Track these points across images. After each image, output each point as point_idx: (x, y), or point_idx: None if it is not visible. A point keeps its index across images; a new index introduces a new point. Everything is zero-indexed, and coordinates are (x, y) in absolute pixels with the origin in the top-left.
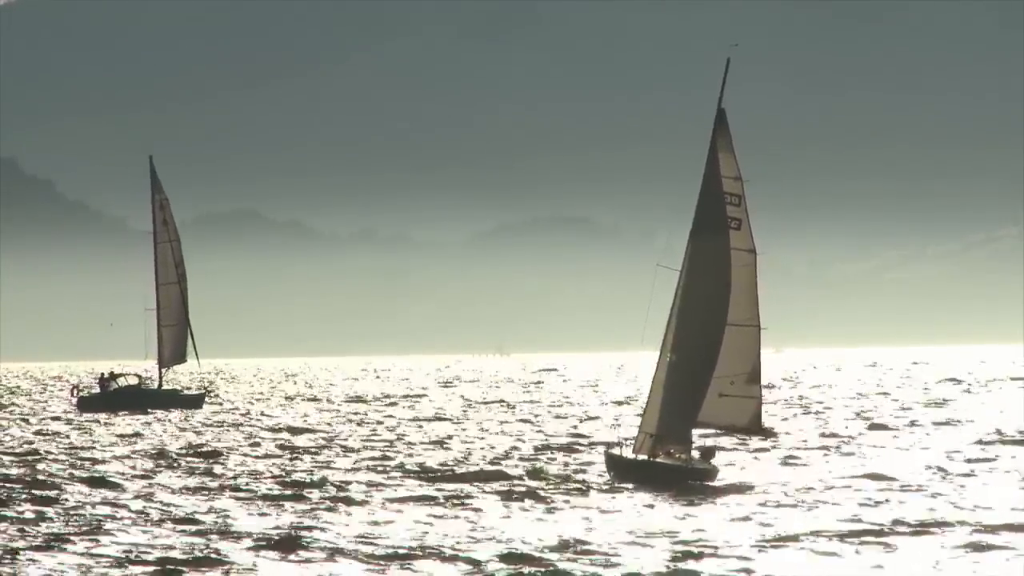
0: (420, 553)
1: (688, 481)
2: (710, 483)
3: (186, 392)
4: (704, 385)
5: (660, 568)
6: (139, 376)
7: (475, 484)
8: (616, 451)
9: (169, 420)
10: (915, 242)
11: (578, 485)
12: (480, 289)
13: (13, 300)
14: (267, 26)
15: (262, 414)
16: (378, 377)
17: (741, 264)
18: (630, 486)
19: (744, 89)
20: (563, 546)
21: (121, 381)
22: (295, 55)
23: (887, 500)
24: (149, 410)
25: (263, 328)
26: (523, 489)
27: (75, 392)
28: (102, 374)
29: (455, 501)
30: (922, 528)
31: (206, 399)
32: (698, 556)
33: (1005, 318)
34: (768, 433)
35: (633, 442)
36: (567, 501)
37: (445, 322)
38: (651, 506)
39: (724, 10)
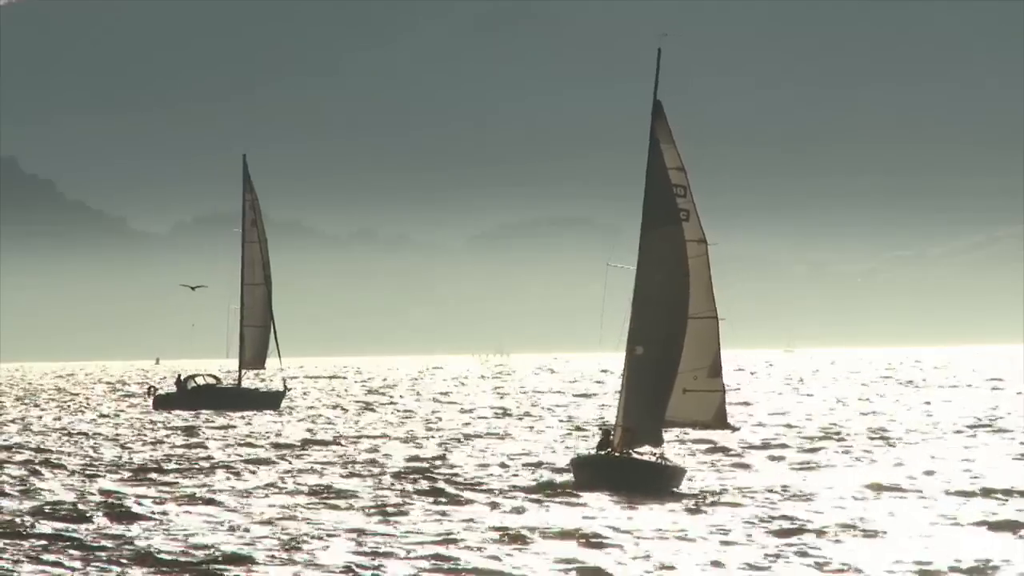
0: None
1: (657, 481)
2: (678, 485)
3: (263, 391)
4: (670, 380)
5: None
6: (216, 376)
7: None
8: (583, 456)
9: None
10: (915, 242)
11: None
12: (480, 289)
13: (13, 300)
14: (267, 27)
15: None
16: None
17: (694, 255)
18: (599, 486)
19: (744, 89)
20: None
21: (199, 380)
22: (295, 55)
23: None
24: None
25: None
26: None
27: (151, 392)
28: (179, 374)
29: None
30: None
31: (283, 399)
32: (661, 558)
33: (1005, 318)
34: (732, 428)
35: (599, 443)
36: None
37: (445, 322)
38: (619, 505)
39: (725, 10)
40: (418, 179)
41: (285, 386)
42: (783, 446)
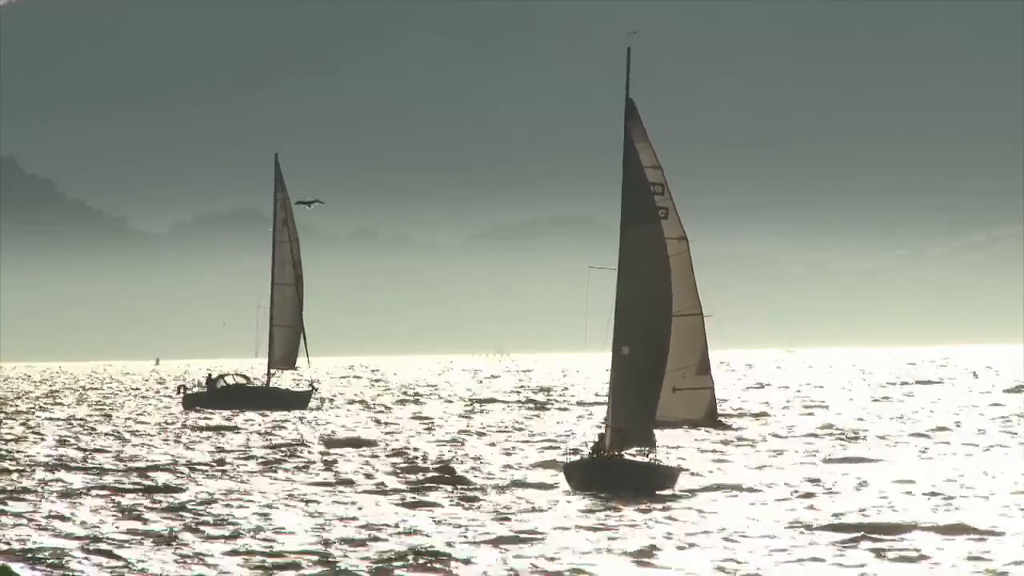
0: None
1: (650, 482)
2: (672, 485)
3: (292, 391)
4: (658, 380)
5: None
6: (246, 376)
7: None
8: (575, 460)
9: None
10: (915, 242)
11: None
12: (480, 289)
13: (13, 300)
14: (267, 27)
15: None
16: None
17: (674, 252)
18: (592, 489)
19: (744, 88)
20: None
21: (228, 380)
22: (295, 55)
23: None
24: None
25: (265, 327)
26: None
27: (182, 390)
28: (209, 373)
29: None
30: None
31: (312, 398)
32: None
33: (1005, 318)
34: (724, 426)
35: (594, 446)
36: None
37: (445, 322)
38: (613, 508)
39: (725, 9)
40: (418, 179)
41: (312, 385)
42: (813, 443)
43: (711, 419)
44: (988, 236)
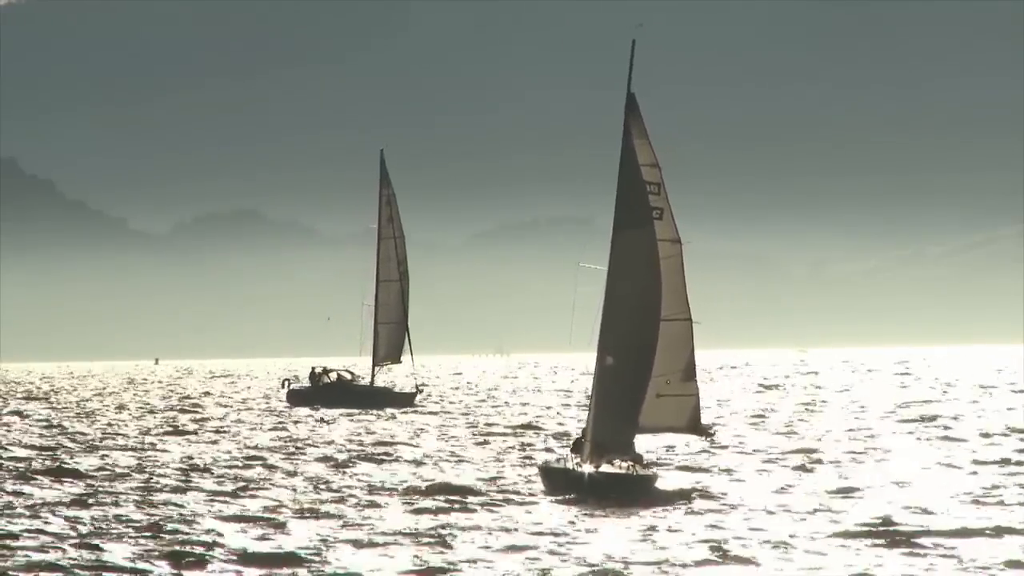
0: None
1: (625, 489)
2: (647, 492)
3: (398, 391)
4: (643, 387)
5: None
6: (351, 372)
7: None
8: (552, 463)
9: None
10: (915, 242)
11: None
12: (480, 289)
13: (13, 300)
14: (265, 25)
15: None
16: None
17: (667, 255)
18: (566, 498)
19: (745, 88)
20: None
21: (333, 376)
22: (294, 54)
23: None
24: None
25: (265, 327)
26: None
27: (286, 385)
28: (313, 369)
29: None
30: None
31: (417, 398)
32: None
33: (1005, 318)
34: (708, 433)
35: (569, 452)
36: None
37: (445, 322)
38: (588, 517)
39: (729, 10)
40: (418, 179)
41: (417, 388)
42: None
43: (694, 426)
44: (988, 236)
